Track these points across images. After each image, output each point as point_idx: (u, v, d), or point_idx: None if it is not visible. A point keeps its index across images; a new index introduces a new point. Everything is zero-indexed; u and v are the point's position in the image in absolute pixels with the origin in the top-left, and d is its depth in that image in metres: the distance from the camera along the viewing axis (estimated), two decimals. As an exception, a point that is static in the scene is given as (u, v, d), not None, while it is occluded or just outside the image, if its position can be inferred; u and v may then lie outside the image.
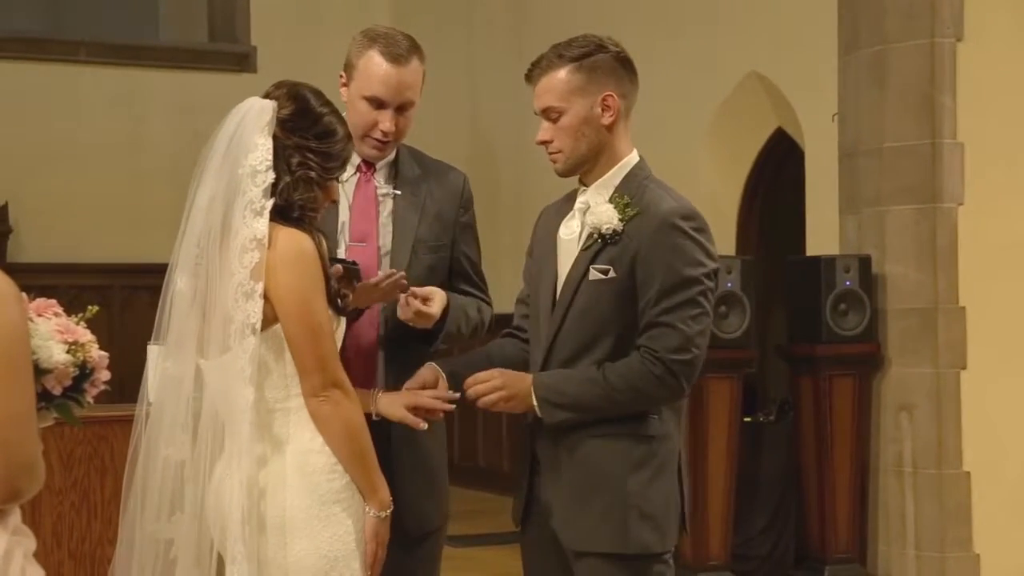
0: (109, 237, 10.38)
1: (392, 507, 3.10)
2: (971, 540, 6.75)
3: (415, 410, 3.28)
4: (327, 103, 3.15)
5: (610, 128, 3.29)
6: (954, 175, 6.75)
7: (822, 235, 7.76)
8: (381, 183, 3.58)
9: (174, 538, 3.02)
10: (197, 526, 3.03)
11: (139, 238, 10.00)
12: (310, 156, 3.08)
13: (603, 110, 3.28)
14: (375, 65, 3.48)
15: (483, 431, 10.32)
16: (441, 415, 3.37)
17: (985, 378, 6.75)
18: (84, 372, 2.81)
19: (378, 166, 3.58)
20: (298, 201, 3.06)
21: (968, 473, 6.76)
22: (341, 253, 3.45)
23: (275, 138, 3.06)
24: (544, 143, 3.32)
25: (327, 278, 3.07)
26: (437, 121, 8.62)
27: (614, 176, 3.31)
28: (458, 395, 3.30)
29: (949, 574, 6.71)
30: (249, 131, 3.04)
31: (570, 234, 3.33)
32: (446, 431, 3.68)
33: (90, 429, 4.68)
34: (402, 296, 3.40)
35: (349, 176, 3.49)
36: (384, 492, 3.09)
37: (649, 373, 3.19)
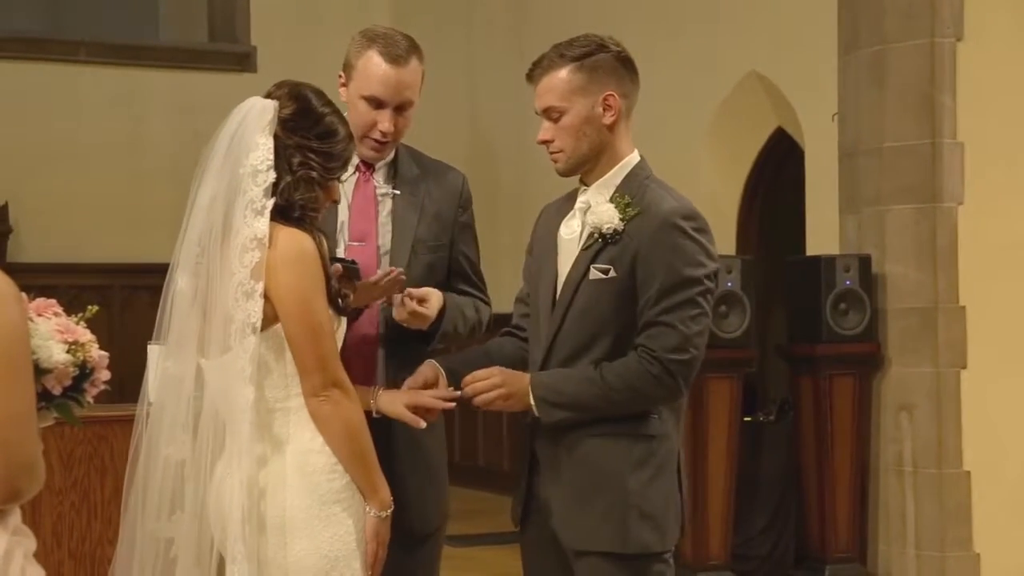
0: (109, 237, 10.38)
1: (392, 507, 3.10)
2: (971, 540, 6.75)
3: (415, 408, 3.29)
4: (329, 103, 3.16)
5: (611, 128, 3.29)
6: (954, 175, 6.76)
7: (822, 235, 7.77)
8: (380, 183, 3.58)
9: (174, 537, 3.02)
10: (197, 525, 3.03)
11: (139, 238, 10.00)
12: (311, 156, 3.08)
13: (604, 110, 3.28)
14: (374, 65, 3.48)
15: (483, 430, 10.32)
16: (440, 414, 3.38)
17: (985, 378, 6.75)
18: (84, 372, 2.81)
19: (377, 166, 3.58)
20: (299, 201, 3.06)
21: (968, 473, 6.76)
22: (340, 253, 3.45)
23: (276, 138, 3.06)
24: (545, 143, 3.32)
25: (328, 278, 3.07)
26: (437, 121, 8.62)
27: (615, 176, 3.31)
28: (459, 393, 3.30)
29: (949, 574, 6.71)
30: (250, 131, 3.04)
31: (571, 233, 3.33)
32: (446, 430, 3.68)
33: (90, 429, 4.68)
34: (397, 296, 3.40)
35: (348, 176, 3.50)
36: (384, 492, 3.09)
37: (647, 373, 3.19)
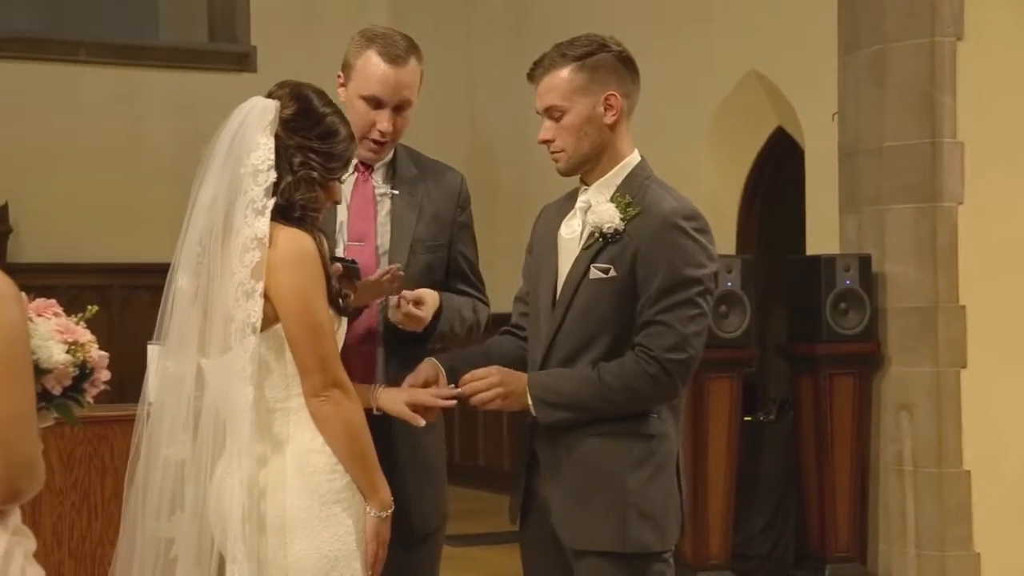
0: (109, 237, 10.38)
1: (393, 507, 3.10)
2: (971, 539, 6.75)
3: (415, 407, 3.28)
4: (330, 103, 3.16)
5: (612, 127, 3.29)
6: (954, 174, 6.75)
7: (822, 234, 7.77)
8: (379, 183, 3.58)
9: (174, 537, 3.02)
10: (198, 525, 3.03)
11: (139, 238, 10.00)
12: (312, 156, 3.08)
13: (605, 109, 3.28)
14: (373, 65, 3.48)
15: (484, 430, 10.32)
16: (439, 413, 3.38)
17: (985, 377, 6.75)
18: (84, 372, 2.82)
19: (376, 166, 3.59)
20: (299, 201, 3.06)
21: (968, 472, 6.76)
22: (339, 253, 3.45)
23: (277, 138, 3.06)
24: (546, 142, 3.32)
25: (328, 278, 3.07)
26: (437, 121, 8.63)
27: (616, 175, 3.31)
28: (459, 392, 3.29)
29: (949, 573, 6.71)
30: (251, 130, 3.04)
31: (571, 233, 3.33)
32: (445, 430, 3.68)
33: (90, 429, 4.68)
34: (393, 299, 3.41)
35: (347, 176, 3.49)
36: (385, 492, 3.09)
37: (644, 372, 3.19)
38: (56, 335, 2.78)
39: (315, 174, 3.08)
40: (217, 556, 3.04)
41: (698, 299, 3.21)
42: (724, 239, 8.54)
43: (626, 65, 3.32)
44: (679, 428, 3.34)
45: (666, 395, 3.25)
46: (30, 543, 2.35)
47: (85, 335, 2.83)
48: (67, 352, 2.77)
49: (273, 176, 3.02)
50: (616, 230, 3.23)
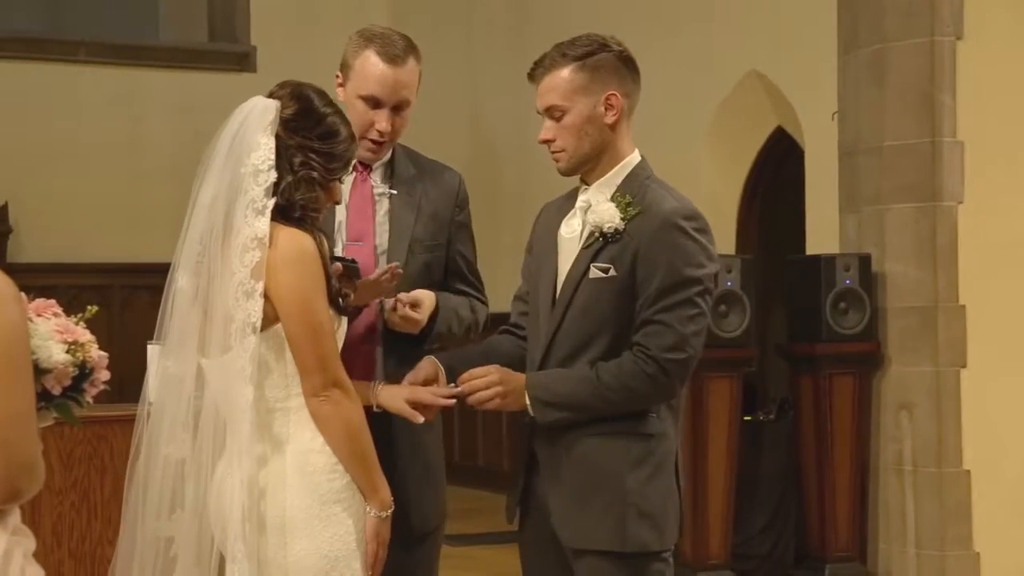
0: (109, 237, 10.39)
1: (393, 507, 3.11)
2: (971, 538, 6.75)
3: (414, 405, 3.28)
4: (331, 103, 3.16)
5: (613, 127, 3.29)
6: (954, 173, 6.76)
7: (822, 234, 7.77)
8: (377, 182, 3.58)
9: (174, 536, 3.02)
10: (197, 524, 3.03)
11: (139, 238, 10.01)
12: (312, 156, 3.08)
13: (606, 109, 3.28)
14: (371, 65, 3.48)
15: (483, 430, 10.32)
16: (438, 412, 3.38)
17: (985, 376, 6.75)
18: (84, 372, 2.82)
19: (374, 166, 3.59)
20: (299, 201, 3.06)
21: (968, 471, 6.76)
22: (339, 252, 3.45)
23: (278, 138, 3.06)
24: (547, 142, 3.32)
25: (328, 278, 3.07)
26: (437, 121, 8.64)
27: (616, 175, 3.31)
28: (458, 390, 3.29)
29: (949, 572, 6.71)
30: (252, 130, 3.04)
31: (571, 232, 3.33)
32: (444, 430, 3.68)
33: (90, 429, 4.68)
34: (389, 301, 3.41)
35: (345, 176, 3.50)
36: (385, 492, 3.09)
37: (641, 372, 3.19)
38: (56, 335, 2.78)
39: (315, 174, 3.08)
40: (217, 555, 3.04)
41: (697, 299, 3.21)
42: (724, 239, 8.55)
43: (627, 65, 3.32)
44: (678, 427, 3.34)
45: (664, 395, 3.25)
46: (30, 543, 2.35)
47: (85, 335, 2.84)
48: (67, 352, 2.78)
49: (273, 176, 3.02)
50: (616, 230, 3.23)
